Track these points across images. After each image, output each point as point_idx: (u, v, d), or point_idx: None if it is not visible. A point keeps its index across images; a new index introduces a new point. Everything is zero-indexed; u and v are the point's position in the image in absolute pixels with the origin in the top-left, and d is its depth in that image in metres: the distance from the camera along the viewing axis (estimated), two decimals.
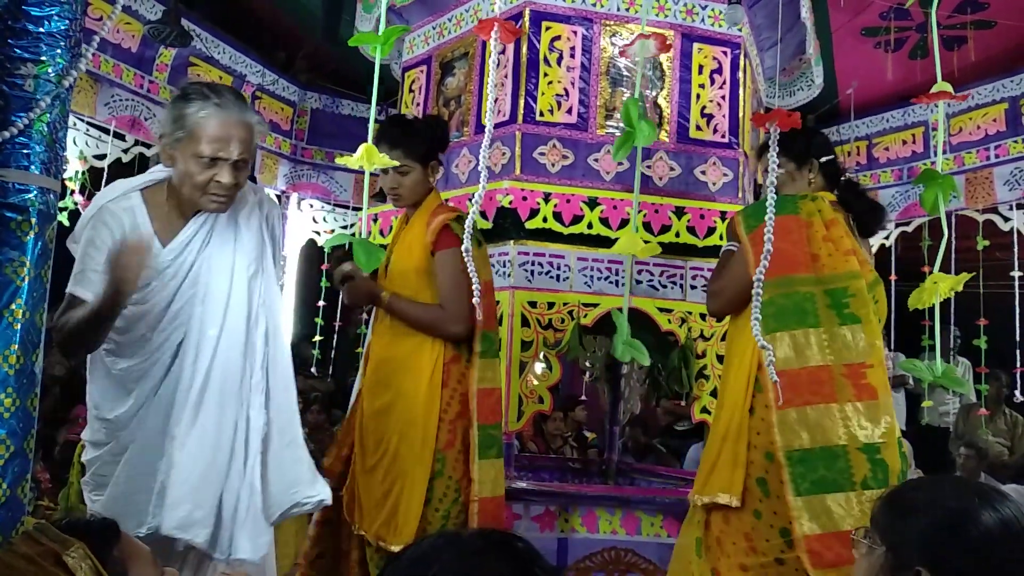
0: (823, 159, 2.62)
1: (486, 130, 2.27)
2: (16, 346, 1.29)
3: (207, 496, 1.98)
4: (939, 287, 1.16)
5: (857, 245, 2.50)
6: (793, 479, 2.29)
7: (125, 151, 5.21)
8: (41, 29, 1.27)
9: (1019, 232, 5.56)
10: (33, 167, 1.28)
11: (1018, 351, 5.50)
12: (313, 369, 6.68)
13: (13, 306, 1.29)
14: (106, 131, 5.01)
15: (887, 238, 6.46)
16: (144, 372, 2.06)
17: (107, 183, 4.64)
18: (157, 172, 2.20)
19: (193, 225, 2.12)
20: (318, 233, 6.85)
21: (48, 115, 1.28)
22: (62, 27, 1.29)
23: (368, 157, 1.11)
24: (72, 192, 4.94)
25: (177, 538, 1.96)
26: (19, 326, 1.29)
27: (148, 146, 5.23)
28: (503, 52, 3.40)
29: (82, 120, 4.92)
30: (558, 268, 3.28)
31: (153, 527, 1.95)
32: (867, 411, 2.32)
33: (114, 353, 2.09)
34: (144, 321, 2.05)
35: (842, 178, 2.68)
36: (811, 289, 2.41)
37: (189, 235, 2.11)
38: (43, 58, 1.27)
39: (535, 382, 3.25)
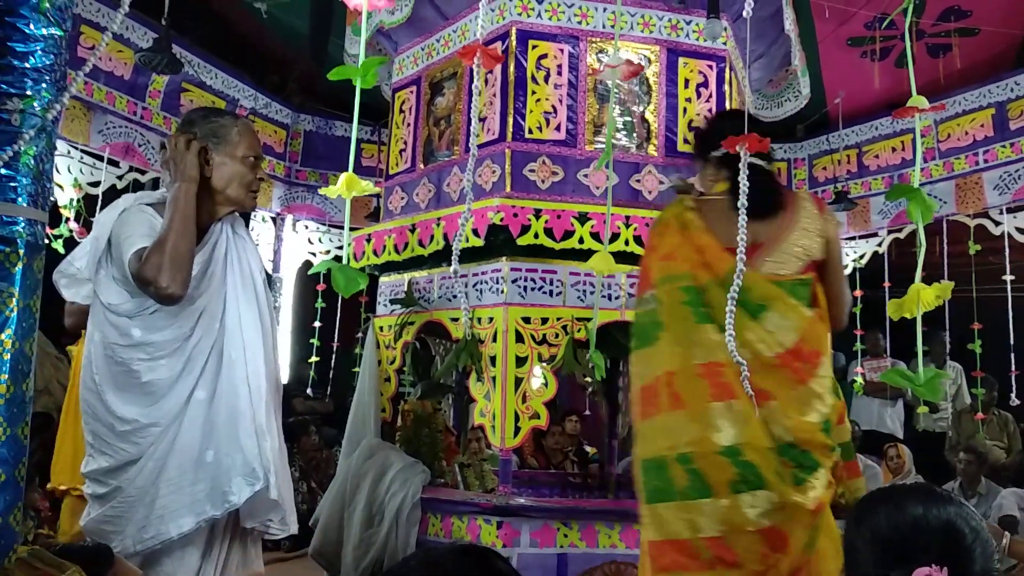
0: (714, 154, 2.53)
1: (471, 153, 2.30)
2: (6, 375, 1.31)
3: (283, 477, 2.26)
4: (921, 297, 1.17)
5: (708, 241, 2.39)
6: (643, 488, 2.33)
7: (119, 177, 5.24)
8: (26, 64, 1.29)
9: (1010, 236, 5.59)
10: (20, 199, 1.30)
11: (1012, 354, 5.51)
12: (309, 390, 6.69)
13: (3, 336, 1.30)
14: (100, 158, 5.05)
15: (880, 245, 6.50)
16: (179, 375, 2.15)
17: (102, 210, 4.68)
18: (154, 193, 2.32)
19: (213, 234, 2.30)
20: (314, 254, 6.88)
21: (34, 147, 1.30)
22: (47, 62, 1.31)
23: (348, 186, 1.13)
24: (67, 219, 4.96)
25: (266, 515, 2.22)
26: (8, 356, 1.31)
27: (142, 172, 5.27)
28: (491, 71, 3.43)
29: (76, 148, 4.96)
30: (551, 283, 3.30)
31: (234, 505, 2.14)
32: (677, 422, 2.29)
33: (149, 354, 2.14)
34: (181, 316, 2.16)
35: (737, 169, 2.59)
36: (656, 302, 2.42)
37: (213, 241, 2.28)
38: (28, 92, 1.29)
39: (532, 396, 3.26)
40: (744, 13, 2.24)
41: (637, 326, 2.48)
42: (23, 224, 1.30)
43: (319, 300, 6.52)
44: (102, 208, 4.73)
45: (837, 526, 2.37)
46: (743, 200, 2.16)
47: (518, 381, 3.19)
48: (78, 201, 5.03)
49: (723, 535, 2.20)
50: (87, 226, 4.87)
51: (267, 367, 2.30)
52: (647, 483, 2.33)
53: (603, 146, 3.43)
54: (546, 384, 3.23)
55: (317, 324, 6.53)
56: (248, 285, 2.32)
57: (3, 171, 1.27)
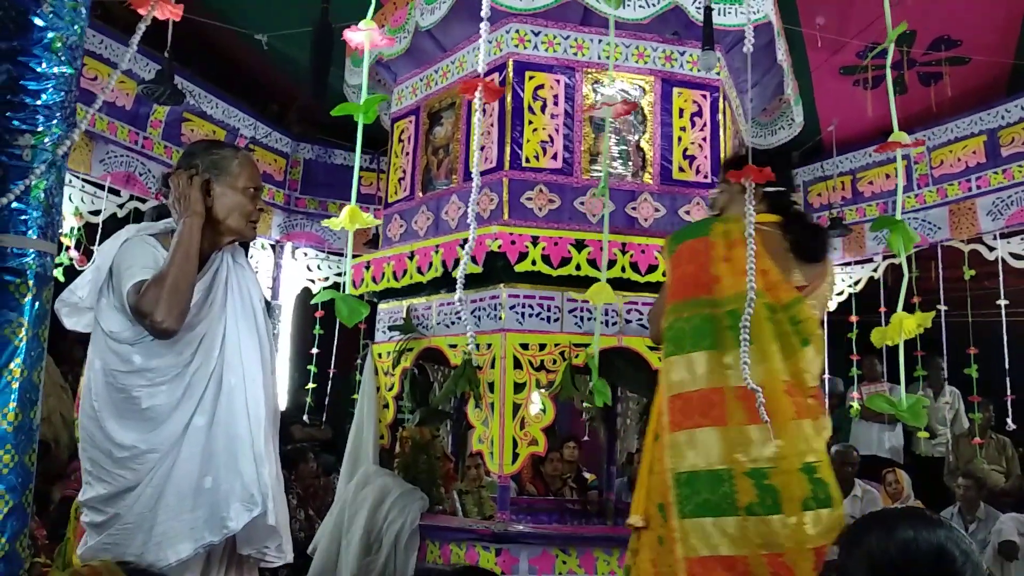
0: (768, 189, 2.56)
1: (473, 184, 2.34)
2: (15, 403, 1.34)
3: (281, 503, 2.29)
4: (904, 325, 1.20)
5: (771, 265, 2.42)
6: (678, 501, 2.30)
7: (120, 206, 5.28)
8: (38, 102, 1.33)
9: (1004, 261, 5.63)
10: (31, 232, 1.33)
11: (1007, 378, 5.54)
12: (307, 417, 6.69)
13: (12, 365, 1.33)
14: (101, 187, 5.09)
15: (875, 271, 6.54)
16: (178, 401, 2.17)
17: (102, 239, 4.72)
18: (156, 225, 2.38)
19: (214, 263, 2.35)
20: (312, 281, 6.91)
21: (44, 182, 1.34)
22: (58, 99, 1.35)
23: (351, 218, 1.17)
24: (67, 248, 5.00)
25: (263, 542, 2.22)
26: (17, 384, 1.34)
27: (143, 201, 5.31)
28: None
29: (77, 177, 5.00)
30: (548, 310, 3.32)
31: (232, 530, 2.15)
32: (757, 435, 2.28)
33: (149, 380, 2.16)
34: (180, 343, 2.19)
35: (790, 207, 2.67)
36: (709, 311, 2.40)
37: (214, 269, 2.33)
38: (39, 128, 1.33)
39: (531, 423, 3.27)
40: (745, 49, 2.30)
41: (676, 331, 2.44)
42: (33, 256, 1.33)
43: (317, 327, 6.54)
44: (103, 237, 4.77)
45: None
46: (750, 229, 2.24)
47: (516, 407, 3.21)
48: (79, 230, 5.08)
49: (785, 552, 2.21)
50: (88, 255, 4.91)
51: (266, 394, 2.32)
52: (690, 496, 2.29)
53: (599, 174, 3.48)
54: (544, 410, 3.24)
55: (315, 351, 6.55)
56: (248, 313, 2.36)
57: (15, 205, 1.30)
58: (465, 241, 3.34)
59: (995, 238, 5.70)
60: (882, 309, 6.21)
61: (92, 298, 2.24)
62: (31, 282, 1.33)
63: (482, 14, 2.35)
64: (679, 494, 2.30)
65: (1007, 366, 5.52)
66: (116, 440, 2.14)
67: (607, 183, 1.62)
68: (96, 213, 5.14)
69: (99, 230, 5.01)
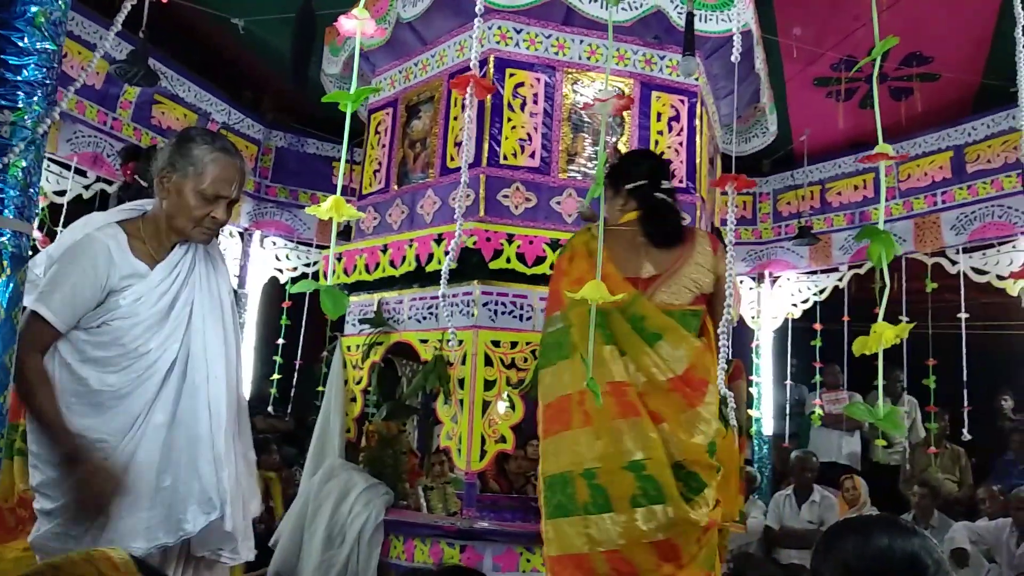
0: (629, 185, 2.73)
1: (462, 179, 2.34)
2: None
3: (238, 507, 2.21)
4: (883, 335, 1.23)
5: (612, 270, 2.54)
6: (545, 504, 2.47)
7: (86, 187, 5.17)
8: (19, 77, 1.30)
9: (965, 275, 5.75)
10: (7, 211, 1.30)
11: (965, 390, 5.66)
12: (270, 408, 6.61)
13: None
14: (67, 167, 4.98)
15: (840, 280, 6.64)
16: (132, 390, 2.10)
17: (67, 220, 4.62)
18: (126, 208, 2.29)
19: (179, 250, 2.26)
20: (280, 271, 6.83)
21: (23, 160, 1.30)
22: (39, 76, 1.32)
23: (336, 208, 1.15)
24: None
25: (218, 545, 2.16)
26: None
27: (109, 183, 5.21)
28: (467, 97, 3.47)
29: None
30: (521, 308, 3.33)
31: (188, 533, 2.10)
32: (584, 438, 2.42)
33: (101, 366, 2.09)
34: (133, 333, 2.11)
35: (651, 199, 2.73)
36: (563, 324, 2.57)
37: (177, 258, 2.24)
38: (20, 105, 1.30)
39: (499, 421, 3.27)
40: (732, 58, 2.33)
41: (544, 345, 2.63)
42: (8, 236, 1.30)
43: (284, 317, 6.47)
44: (68, 219, 4.67)
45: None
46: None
47: (486, 404, 3.21)
48: (43, 210, 4.96)
49: (620, 548, 2.33)
50: (51, 236, 4.80)
51: (229, 394, 2.26)
52: (550, 499, 2.45)
53: (576, 175, 3.49)
54: (513, 408, 3.25)
55: (281, 341, 6.48)
56: (215, 308, 2.29)
57: None
58: (440, 237, 3.33)
59: (958, 252, 5.82)
60: (846, 318, 6.30)
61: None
62: (6, 263, 1.30)
63: (476, 10, 2.35)
64: (545, 498, 2.48)
65: (965, 378, 5.63)
66: (81, 426, 2.08)
67: (603, 181, 1.63)
68: (61, 194, 5.02)
69: (63, 211, 4.91)
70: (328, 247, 4.07)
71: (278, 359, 6.51)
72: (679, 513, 2.34)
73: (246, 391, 6.66)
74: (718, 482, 2.51)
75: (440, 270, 3.25)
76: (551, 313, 2.65)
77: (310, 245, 6.79)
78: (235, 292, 6.39)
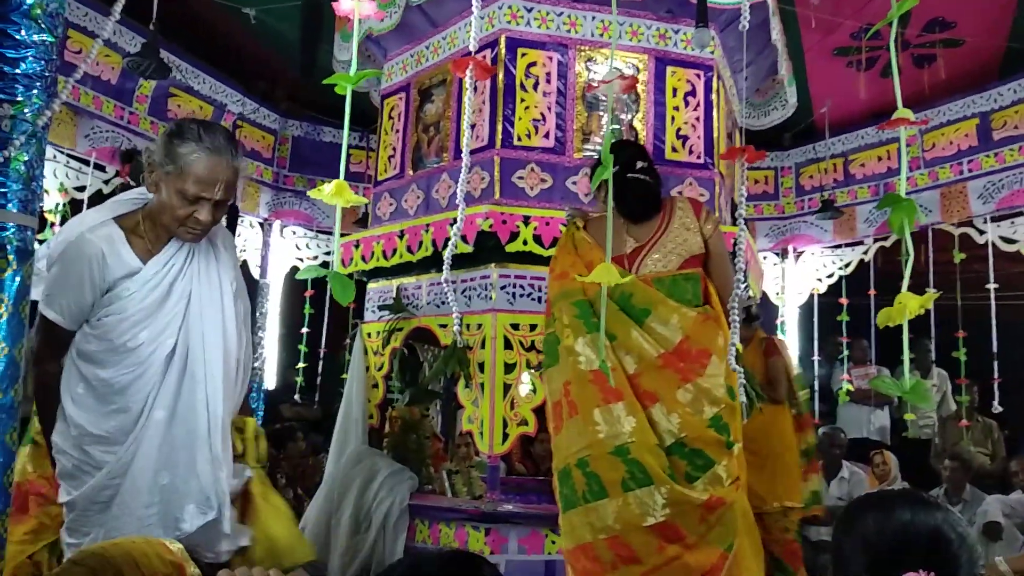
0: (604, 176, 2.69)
1: (463, 164, 2.31)
2: None
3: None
4: (908, 306, 1.19)
5: (598, 257, 2.56)
6: (559, 499, 2.49)
7: (106, 182, 5.21)
8: (17, 70, 1.29)
9: (994, 245, 5.64)
10: (10, 205, 1.30)
11: (995, 361, 5.56)
12: (297, 396, 6.66)
13: None
14: (86, 163, 5.02)
15: (866, 253, 6.54)
16: (129, 384, 2.07)
17: None
18: (122, 199, 2.23)
19: (175, 243, 2.18)
20: (301, 260, 6.85)
21: (24, 154, 1.30)
22: (37, 68, 1.31)
23: (339, 193, 1.14)
24: (52, 224, 4.93)
25: (214, 546, 2.10)
26: None
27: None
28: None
29: (62, 152, 4.93)
30: (539, 290, 3.30)
31: (185, 532, 2.04)
32: (574, 427, 2.44)
33: (93, 362, 2.07)
34: (120, 328, 2.07)
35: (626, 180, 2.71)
36: (550, 326, 2.63)
37: (173, 251, 2.17)
38: (19, 98, 1.29)
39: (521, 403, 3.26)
40: (740, 26, 2.28)
41: (545, 346, 2.66)
42: (13, 229, 1.30)
43: (307, 306, 6.50)
44: None
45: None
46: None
47: (507, 387, 3.20)
48: (64, 206, 5.00)
49: (618, 534, 2.32)
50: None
51: (227, 390, 2.21)
52: (561, 493, 2.47)
53: (591, 154, 3.45)
54: (534, 390, 3.23)
55: (305, 330, 6.51)
56: (215, 302, 2.22)
57: None
58: (456, 221, 3.32)
59: (985, 221, 5.69)
60: (872, 292, 6.21)
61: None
62: (11, 256, 1.30)
63: None
64: (558, 493, 2.49)
65: (995, 349, 5.53)
66: (67, 412, 2.07)
67: (610, 161, 1.60)
68: (81, 189, 5.07)
69: (84, 206, 4.95)
70: (348, 235, 4.08)
71: (303, 348, 6.55)
72: (673, 494, 2.31)
73: (271, 380, 6.75)
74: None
75: (458, 254, 3.24)
76: (548, 314, 2.71)
77: (330, 233, 6.80)
78: (256, 282, 6.45)
